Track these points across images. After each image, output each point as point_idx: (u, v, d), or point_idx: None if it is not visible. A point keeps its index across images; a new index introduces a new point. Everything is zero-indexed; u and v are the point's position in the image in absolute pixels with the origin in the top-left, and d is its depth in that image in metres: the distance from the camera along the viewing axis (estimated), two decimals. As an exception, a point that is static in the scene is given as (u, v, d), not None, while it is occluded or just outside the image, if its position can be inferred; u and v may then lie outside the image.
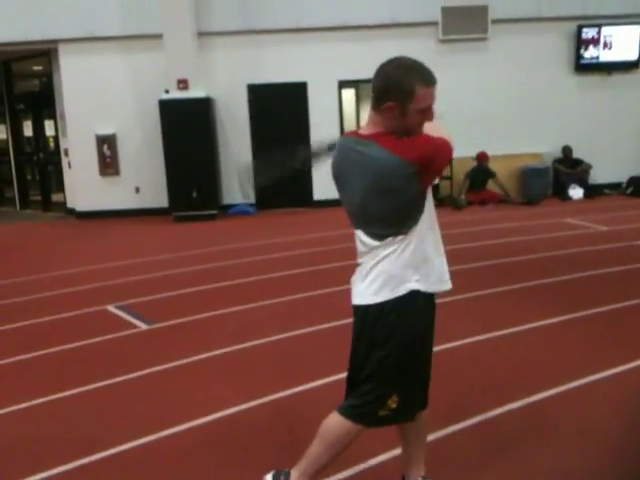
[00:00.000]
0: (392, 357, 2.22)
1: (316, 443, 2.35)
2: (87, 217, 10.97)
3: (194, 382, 3.89)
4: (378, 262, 2.20)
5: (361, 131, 2.21)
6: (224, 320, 5.07)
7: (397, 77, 2.05)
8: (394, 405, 2.25)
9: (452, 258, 6.93)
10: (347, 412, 2.31)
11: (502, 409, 3.30)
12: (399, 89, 2.03)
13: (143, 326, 4.99)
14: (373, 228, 2.19)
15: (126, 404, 3.63)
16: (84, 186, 11.05)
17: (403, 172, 2.04)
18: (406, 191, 2.08)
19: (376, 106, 2.12)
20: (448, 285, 2.30)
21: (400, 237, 2.16)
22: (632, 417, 3.21)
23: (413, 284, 2.19)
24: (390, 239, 2.17)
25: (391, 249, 2.17)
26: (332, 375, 3.61)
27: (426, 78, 2.06)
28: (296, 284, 5.97)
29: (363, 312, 2.25)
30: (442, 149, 2.12)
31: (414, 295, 2.19)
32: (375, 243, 2.19)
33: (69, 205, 11.66)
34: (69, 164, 11.26)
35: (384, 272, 2.19)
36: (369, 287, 2.22)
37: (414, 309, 2.21)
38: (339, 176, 2.26)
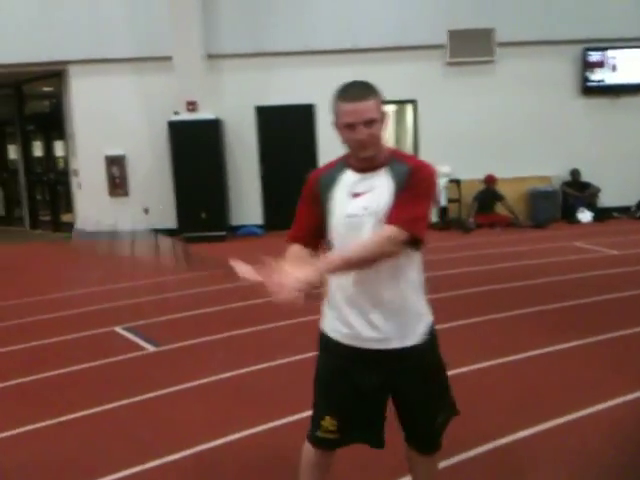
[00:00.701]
0: (317, 379, 2.31)
1: None
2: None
3: (199, 406, 3.86)
4: None
5: None
6: (232, 343, 5.04)
7: (333, 95, 2.16)
8: (333, 428, 2.24)
9: (460, 281, 6.89)
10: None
11: (509, 438, 3.25)
12: (332, 106, 2.15)
13: (150, 348, 4.97)
14: None
15: (129, 428, 3.59)
16: (93, 207, 11.08)
17: None
18: None
19: None
20: (369, 345, 2.16)
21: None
22: (630, 448, 3.16)
23: (323, 321, 2.30)
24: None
25: None
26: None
27: (345, 95, 2.09)
28: (302, 307, 5.93)
29: None
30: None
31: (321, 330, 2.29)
32: None
33: (79, 226, 11.69)
34: (79, 185, 11.31)
35: None
36: None
37: (321, 343, 2.30)
38: None
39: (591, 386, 3.90)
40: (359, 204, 2.11)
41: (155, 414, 3.78)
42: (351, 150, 2.15)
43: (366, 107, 2.06)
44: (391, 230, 2.02)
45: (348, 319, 2.18)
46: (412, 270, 2.18)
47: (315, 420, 2.29)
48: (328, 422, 2.25)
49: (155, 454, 3.21)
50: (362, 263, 2.04)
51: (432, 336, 2.24)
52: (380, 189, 2.11)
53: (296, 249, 2.25)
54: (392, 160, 2.15)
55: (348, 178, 2.18)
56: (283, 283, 1.95)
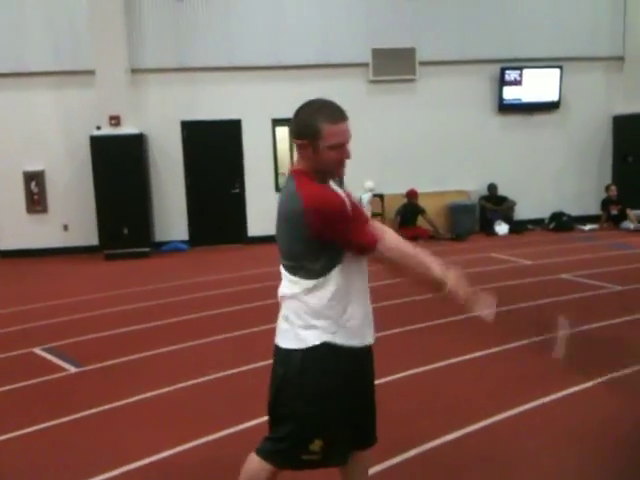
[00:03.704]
0: (307, 403, 2.23)
1: None
2: (13, 256, 10.59)
3: (125, 426, 3.80)
4: (296, 302, 2.22)
5: (293, 166, 2.31)
6: (156, 361, 4.97)
7: (307, 117, 2.15)
8: (318, 449, 2.25)
9: (384, 294, 6.96)
10: (269, 455, 2.29)
11: (440, 440, 3.37)
12: (309, 128, 2.13)
13: (72, 369, 4.85)
14: (282, 258, 2.27)
15: (54, 451, 3.51)
16: (10, 224, 10.69)
17: (296, 212, 2.11)
18: (297, 232, 2.14)
19: (296, 145, 2.24)
20: (370, 340, 2.34)
21: (308, 280, 2.18)
22: (560, 446, 3.32)
23: (326, 335, 2.21)
24: (297, 278, 2.20)
25: (302, 290, 2.20)
26: (265, 415, 3.58)
27: (333, 116, 2.14)
28: (229, 322, 5.93)
29: (285, 355, 2.26)
30: (353, 227, 2.13)
31: (326, 347, 2.21)
32: (285, 273, 2.25)
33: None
34: (-6, 201, 10.91)
35: (299, 315, 2.22)
36: (291, 330, 2.24)
37: (324, 360, 2.21)
38: None
39: (511, 390, 4.07)
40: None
41: (78, 436, 3.69)
42: (330, 168, 2.20)
43: (349, 127, 2.17)
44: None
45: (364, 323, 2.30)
46: None
47: (300, 444, 2.24)
48: (315, 444, 2.24)
49: (80, 477, 3.14)
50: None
51: None
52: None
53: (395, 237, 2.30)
54: None
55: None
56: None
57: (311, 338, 2.20)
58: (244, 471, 2.34)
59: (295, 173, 2.22)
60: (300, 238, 2.13)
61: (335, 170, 2.21)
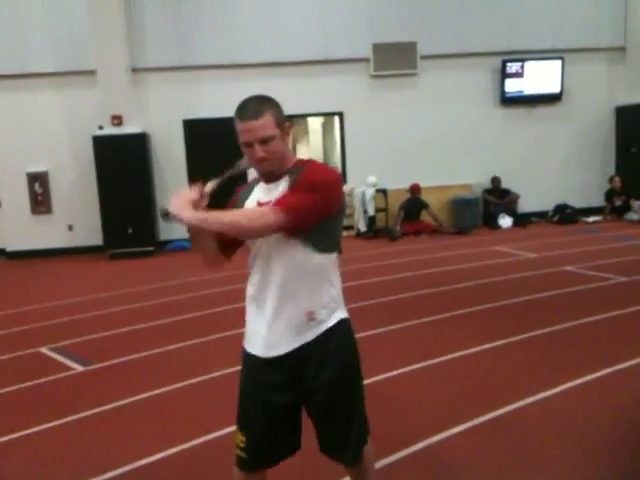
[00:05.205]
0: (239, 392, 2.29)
1: None
2: (18, 257, 10.65)
3: (133, 424, 3.82)
4: None
5: None
6: (162, 359, 4.99)
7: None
8: (242, 445, 2.23)
9: (389, 287, 6.96)
10: None
11: (443, 435, 3.37)
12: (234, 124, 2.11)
13: (79, 367, 4.87)
14: None
15: (62, 450, 3.52)
16: (15, 225, 10.75)
17: None
18: None
19: None
20: (267, 352, 2.18)
21: None
22: (567, 440, 3.32)
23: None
24: None
25: None
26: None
27: (240, 114, 2.08)
28: (234, 319, 5.91)
29: None
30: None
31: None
32: None
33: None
34: (-1, 203, 10.95)
35: None
36: None
37: (243, 356, 2.29)
38: None
39: (517, 382, 4.07)
40: None
41: (86, 435, 3.71)
42: (252, 164, 2.15)
43: (260, 125, 2.05)
44: (267, 209, 2.05)
45: (255, 328, 2.22)
46: (314, 278, 2.17)
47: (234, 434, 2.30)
48: (239, 438, 2.25)
49: (89, 475, 3.15)
50: (228, 226, 2.08)
51: (331, 337, 2.21)
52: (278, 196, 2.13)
53: None
54: (296, 168, 2.17)
55: (259, 189, 2.24)
56: (177, 204, 2.10)
57: None
58: None
59: None
60: None
61: (255, 167, 2.16)
